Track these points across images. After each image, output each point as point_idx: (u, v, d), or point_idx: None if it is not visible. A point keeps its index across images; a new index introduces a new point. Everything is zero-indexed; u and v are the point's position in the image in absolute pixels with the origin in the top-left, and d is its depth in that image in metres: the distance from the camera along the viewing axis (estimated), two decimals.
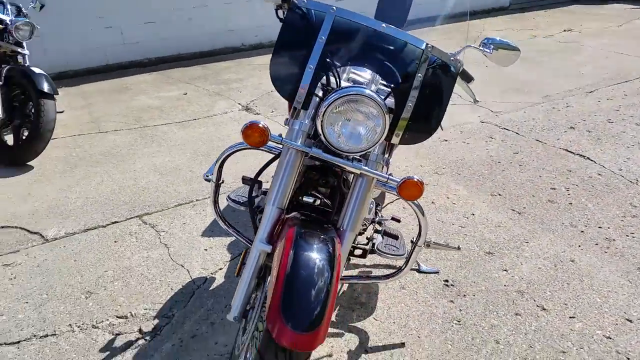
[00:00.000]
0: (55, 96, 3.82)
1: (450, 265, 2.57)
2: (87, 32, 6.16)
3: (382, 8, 3.11)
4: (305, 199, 1.91)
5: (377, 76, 1.81)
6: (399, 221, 2.54)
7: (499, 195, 3.20)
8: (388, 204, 3.03)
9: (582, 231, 2.81)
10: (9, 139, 3.95)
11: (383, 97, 1.69)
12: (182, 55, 6.76)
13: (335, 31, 1.74)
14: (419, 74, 1.71)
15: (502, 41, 2.05)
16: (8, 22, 3.94)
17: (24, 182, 3.59)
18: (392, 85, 1.76)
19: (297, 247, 1.57)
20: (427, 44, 1.71)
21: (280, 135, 1.74)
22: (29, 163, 3.84)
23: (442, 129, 3.06)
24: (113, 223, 3.05)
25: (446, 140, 4.00)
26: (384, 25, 1.74)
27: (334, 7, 1.73)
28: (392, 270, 2.10)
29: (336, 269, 1.53)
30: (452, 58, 1.78)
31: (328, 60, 1.74)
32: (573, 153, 3.70)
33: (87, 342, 2.17)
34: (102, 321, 2.28)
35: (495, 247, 2.70)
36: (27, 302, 2.41)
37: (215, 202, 2.08)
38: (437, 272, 2.52)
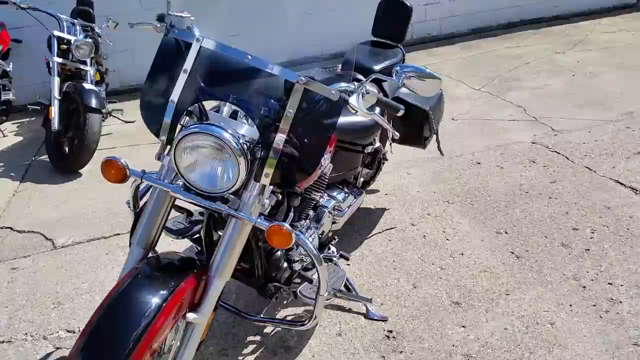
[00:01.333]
0: (110, 110, 4.17)
1: (404, 312, 2.31)
2: None
3: (379, 23, 2.90)
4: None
5: (242, 112, 1.68)
6: (347, 259, 2.34)
7: (505, 233, 2.79)
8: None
9: (583, 286, 2.34)
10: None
11: (242, 136, 1.56)
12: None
13: (203, 63, 1.65)
14: (290, 110, 1.55)
15: (418, 69, 1.80)
16: (72, 41, 4.36)
17: (66, 189, 3.96)
18: (260, 122, 1.62)
19: (123, 288, 1.53)
20: (300, 77, 1.53)
21: (143, 171, 1.70)
22: (80, 171, 4.22)
23: (442, 154, 2.77)
24: (115, 235, 3.23)
25: (479, 163, 3.59)
26: (249, 56, 1.60)
27: (201, 37, 1.64)
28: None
29: (159, 318, 1.45)
30: (333, 92, 1.58)
31: (193, 93, 1.65)
32: (624, 185, 3.10)
33: (29, 353, 2.32)
34: (53, 333, 2.43)
35: (466, 297, 2.36)
36: (7, 307, 2.65)
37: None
38: (384, 320, 2.27)
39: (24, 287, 2.78)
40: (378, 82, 2.72)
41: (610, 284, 2.34)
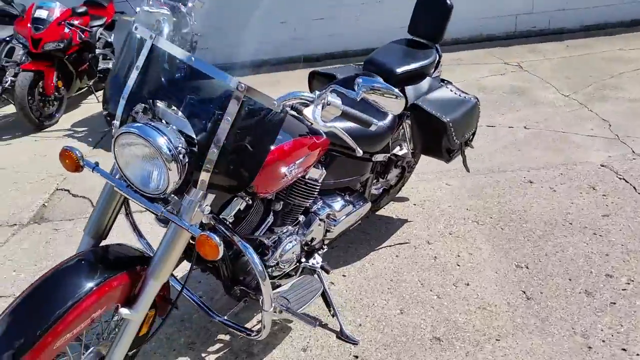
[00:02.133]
0: None
1: (379, 339, 2.16)
2: (264, 26, 6.70)
3: (416, 20, 2.70)
4: None
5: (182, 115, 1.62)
6: (327, 272, 2.24)
7: (525, 267, 2.48)
8: None
9: (589, 347, 2.01)
10: None
11: (179, 140, 1.52)
12: (349, 52, 6.81)
13: (155, 61, 1.63)
14: (228, 118, 1.49)
15: (379, 84, 1.64)
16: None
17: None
18: (199, 128, 1.57)
19: (55, 271, 1.58)
20: (239, 84, 1.46)
21: (96, 163, 1.74)
22: None
23: (467, 170, 2.54)
24: None
25: (531, 182, 3.23)
26: (193, 58, 1.55)
27: (153, 35, 1.61)
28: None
29: (79, 305, 1.49)
30: (274, 102, 1.49)
31: (144, 90, 1.64)
32: None
33: None
34: None
35: (451, 334, 2.15)
36: (35, 265, 2.90)
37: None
38: (355, 343, 2.15)
39: (58, 249, 3.02)
40: (404, 84, 2.53)
41: (625, 350, 1.99)
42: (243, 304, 2.17)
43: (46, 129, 5.13)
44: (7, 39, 5.51)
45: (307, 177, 2.05)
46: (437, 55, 2.75)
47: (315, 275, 2.25)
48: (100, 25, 5.78)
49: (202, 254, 1.58)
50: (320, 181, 2.16)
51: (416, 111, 2.45)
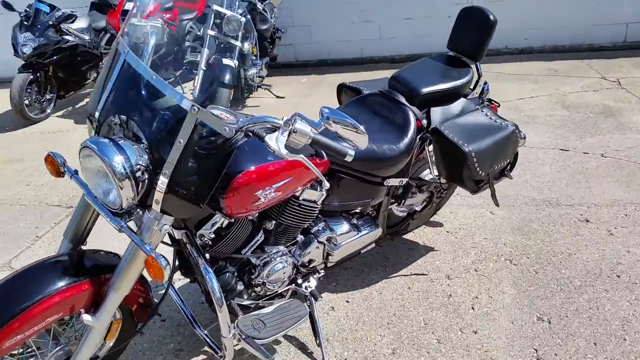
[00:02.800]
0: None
1: None
2: (349, 25, 6.61)
3: (455, 35, 2.50)
4: None
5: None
6: (316, 299, 2.16)
7: (547, 322, 2.19)
8: None
9: None
10: None
11: (141, 158, 1.52)
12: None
13: (126, 76, 1.64)
14: (181, 140, 1.46)
15: (343, 117, 1.52)
16: (225, 16, 4.69)
17: None
18: (154, 147, 1.55)
19: (23, 269, 1.66)
20: (193, 106, 1.43)
21: (76, 171, 1.79)
22: None
23: (496, 204, 2.32)
24: None
25: (587, 221, 2.85)
26: (154, 76, 1.53)
27: (126, 51, 1.62)
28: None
29: (36, 307, 1.55)
30: (226, 128, 1.44)
31: (112, 104, 1.65)
32: None
33: None
34: None
35: None
36: None
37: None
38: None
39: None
40: (430, 105, 2.34)
41: None
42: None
43: None
44: (107, 28, 5.97)
45: (301, 198, 1.96)
46: (476, 75, 2.51)
47: (307, 302, 2.16)
48: (190, 19, 6.03)
49: (150, 275, 1.58)
50: (319, 203, 2.06)
51: (437, 136, 2.25)
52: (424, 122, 2.33)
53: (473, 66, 2.53)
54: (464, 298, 2.39)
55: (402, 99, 2.33)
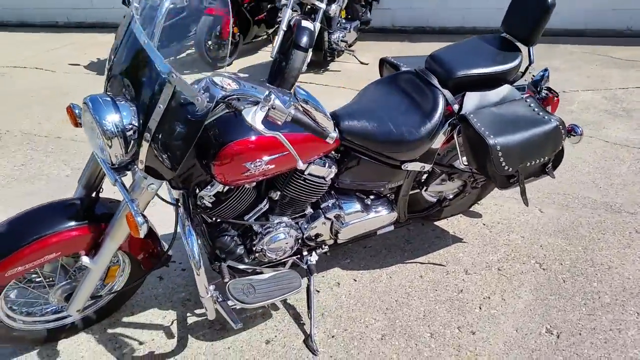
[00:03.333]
0: (310, 50, 4.43)
1: (340, 358, 2.03)
2: None
3: (509, 16, 2.32)
4: None
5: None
6: (311, 273, 2.19)
7: (555, 336, 2.03)
8: None
9: None
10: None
11: (134, 118, 1.62)
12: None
13: (129, 39, 1.73)
14: (160, 105, 1.56)
15: (313, 100, 1.49)
16: None
17: None
18: (141, 110, 1.64)
19: (32, 208, 1.87)
20: (171, 73, 1.49)
21: None
22: None
23: (526, 204, 2.20)
24: None
25: (637, 232, 2.54)
26: (145, 41, 1.60)
27: (134, 16, 1.70)
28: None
29: (34, 244, 1.76)
30: (198, 97, 1.49)
31: (119, 64, 1.75)
32: None
33: None
34: None
35: None
36: None
37: None
38: (314, 354, 2.05)
39: None
40: (466, 89, 2.19)
41: None
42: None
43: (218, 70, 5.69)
44: None
45: (306, 172, 1.97)
46: (527, 60, 2.28)
47: (306, 277, 2.19)
48: None
49: (130, 229, 1.69)
50: (327, 179, 2.05)
51: (465, 124, 2.10)
52: (456, 107, 2.18)
53: (525, 50, 2.30)
54: (474, 296, 2.27)
55: (435, 81, 2.20)
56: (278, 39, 4.66)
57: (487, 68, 2.19)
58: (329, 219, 2.19)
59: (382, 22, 6.62)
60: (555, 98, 2.37)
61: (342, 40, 5.34)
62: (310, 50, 4.51)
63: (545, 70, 2.39)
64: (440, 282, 2.37)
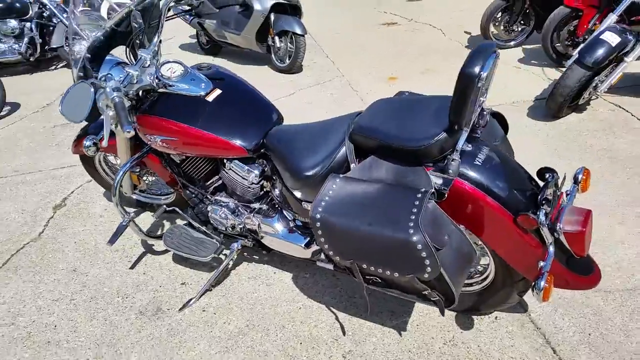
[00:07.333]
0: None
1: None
2: None
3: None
4: None
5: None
6: (236, 254, 2.27)
7: None
8: None
9: None
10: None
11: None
12: None
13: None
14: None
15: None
16: None
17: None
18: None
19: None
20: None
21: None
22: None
23: (441, 314, 1.81)
24: None
25: None
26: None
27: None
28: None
29: None
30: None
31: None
32: None
33: None
34: None
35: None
36: None
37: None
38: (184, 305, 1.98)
39: None
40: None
41: None
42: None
43: None
44: None
45: (227, 166, 2.01)
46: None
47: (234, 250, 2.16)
48: None
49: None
50: (251, 181, 1.97)
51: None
52: (352, 166, 1.72)
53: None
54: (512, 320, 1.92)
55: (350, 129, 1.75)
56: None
57: (394, 138, 1.60)
58: (252, 223, 2.04)
59: None
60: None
61: None
62: None
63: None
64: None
